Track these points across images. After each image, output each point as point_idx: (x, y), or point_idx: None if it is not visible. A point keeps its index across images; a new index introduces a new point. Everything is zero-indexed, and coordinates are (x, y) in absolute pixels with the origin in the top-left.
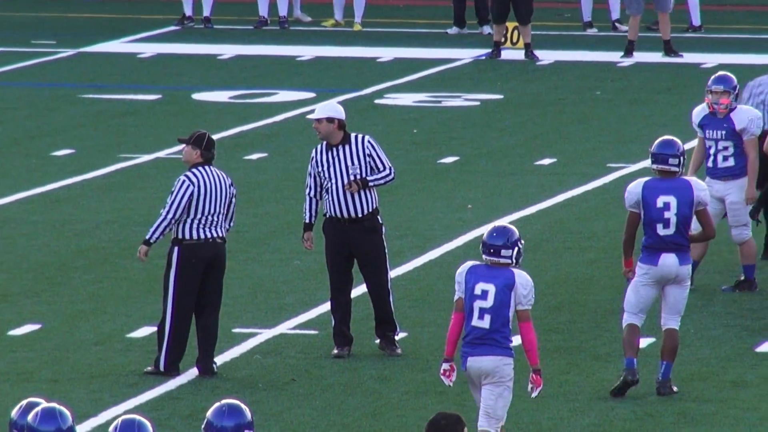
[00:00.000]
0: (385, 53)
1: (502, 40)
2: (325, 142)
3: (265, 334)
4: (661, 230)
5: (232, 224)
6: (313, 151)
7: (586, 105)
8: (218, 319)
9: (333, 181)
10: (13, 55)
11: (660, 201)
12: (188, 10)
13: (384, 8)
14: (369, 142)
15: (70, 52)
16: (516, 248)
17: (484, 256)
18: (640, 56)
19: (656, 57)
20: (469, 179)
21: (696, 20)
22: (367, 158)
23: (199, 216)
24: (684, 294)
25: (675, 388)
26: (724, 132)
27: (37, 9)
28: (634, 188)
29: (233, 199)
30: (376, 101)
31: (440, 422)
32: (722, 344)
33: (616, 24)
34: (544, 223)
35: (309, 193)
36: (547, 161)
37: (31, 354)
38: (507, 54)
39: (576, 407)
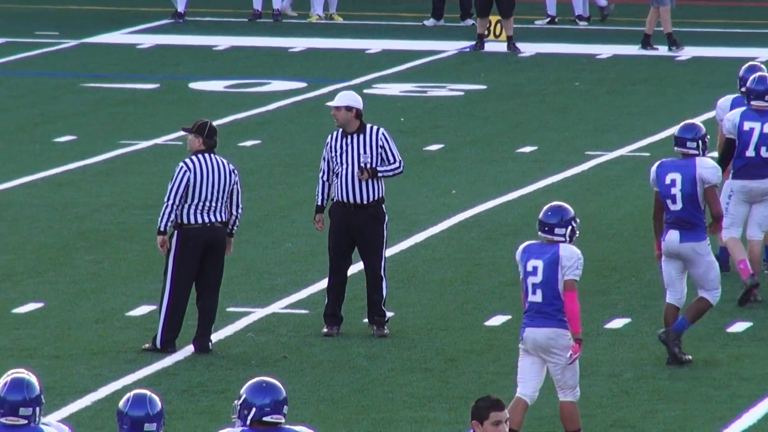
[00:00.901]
0: (373, 45)
1: (486, 33)
2: (340, 130)
3: (258, 313)
4: (671, 206)
5: (240, 211)
6: (329, 136)
7: (566, 95)
8: (217, 300)
9: (344, 167)
10: (18, 45)
11: (668, 178)
12: (180, 7)
13: (372, 2)
14: (383, 134)
15: (72, 42)
16: (570, 227)
17: (539, 233)
18: (617, 49)
19: (632, 50)
20: (453, 166)
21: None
22: (379, 149)
23: (196, 201)
24: (700, 270)
25: (688, 357)
26: None
27: (40, 1)
28: (652, 168)
29: (235, 186)
30: (365, 91)
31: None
32: (695, 324)
33: (577, 20)
34: (525, 208)
35: (322, 177)
36: (528, 149)
37: (34, 331)
38: (490, 46)
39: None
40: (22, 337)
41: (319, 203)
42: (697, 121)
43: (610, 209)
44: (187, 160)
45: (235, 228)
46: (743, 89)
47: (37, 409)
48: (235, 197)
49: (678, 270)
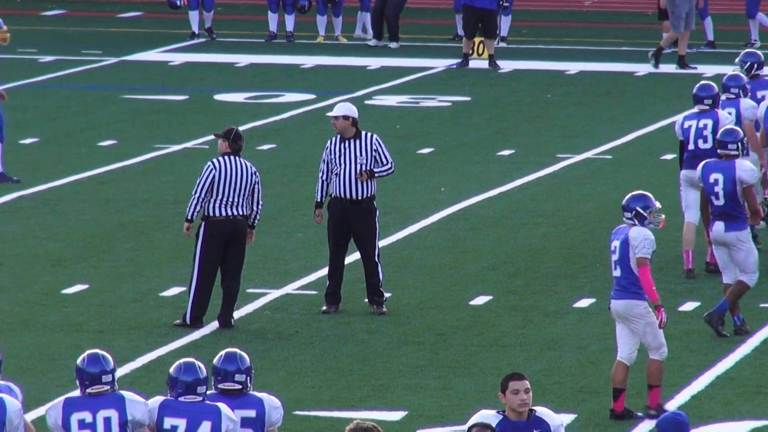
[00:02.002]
0: (373, 62)
1: (470, 52)
2: (339, 136)
3: (274, 294)
4: (715, 201)
5: (260, 206)
6: (329, 141)
7: (539, 106)
8: (239, 283)
9: (341, 167)
10: (66, 62)
11: (712, 177)
12: (197, 27)
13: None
14: (376, 140)
15: (113, 60)
16: (634, 211)
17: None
18: (584, 66)
19: (598, 66)
20: (442, 167)
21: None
22: (373, 152)
23: (221, 197)
24: (741, 255)
25: (724, 332)
26: None
27: (85, 24)
28: (699, 167)
29: (256, 186)
30: (366, 102)
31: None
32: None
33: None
34: (504, 204)
35: (321, 177)
36: (506, 152)
37: (80, 309)
38: (474, 64)
39: (530, 355)
40: (70, 314)
41: (319, 200)
42: (654, 127)
43: (577, 204)
44: (214, 160)
45: (256, 221)
46: (727, 94)
47: (115, 377)
48: (256, 195)
49: (728, 255)
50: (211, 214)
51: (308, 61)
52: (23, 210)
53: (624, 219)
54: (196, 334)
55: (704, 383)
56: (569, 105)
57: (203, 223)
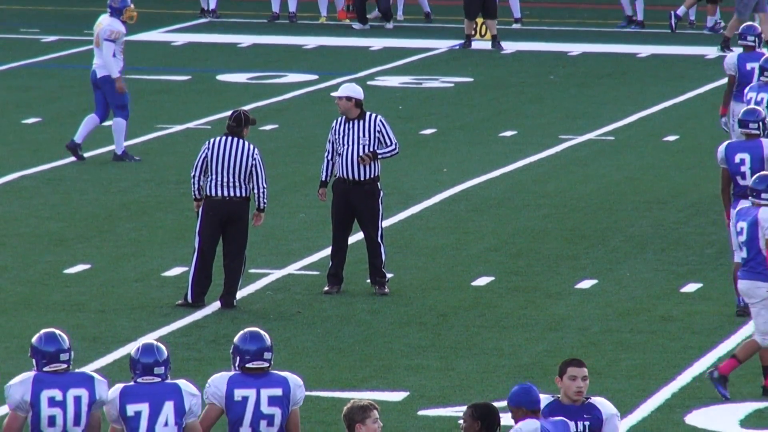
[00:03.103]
0: (376, 43)
1: (473, 33)
2: (344, 116)
3: (276, 274)
4: (740, 181)
5: (263, 188)
6: (334, 122)
7: (542, 87)
8: (241, 264)
9: (345, 148)
10: (69, 42)
11: (737, 157)
12: (206, 4)
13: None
14: (380, 120)
15: None
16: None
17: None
18: (587, 47)
19: (601, 47)
20: (444, 148)
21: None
22: (377, 134)
23: (215, 176)
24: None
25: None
26: None
27: (87, 4)
28: (720, 148)
29: (255, 168)
30: (368, 83)
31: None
32: (653, 285)
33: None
34: (506, 185)
35: (327, 156)
36: (509, 133)
37: (82, 289)
38: (476, 45)
39: (532, 336)
40: (72, 293)
41: (323, 179)
42: (656, 109)
43: (579, 185)
44: (210, 140)
45: (263, 203)
46: (763, 78)
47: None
48: (255, 176)
49: None
50: (208, 193)
51: (311, 41)
52: (26, 190)
53: (757, 200)
54: (198, 314)
55: (706, 364)
56: (572, 86)
57: (203, 203)
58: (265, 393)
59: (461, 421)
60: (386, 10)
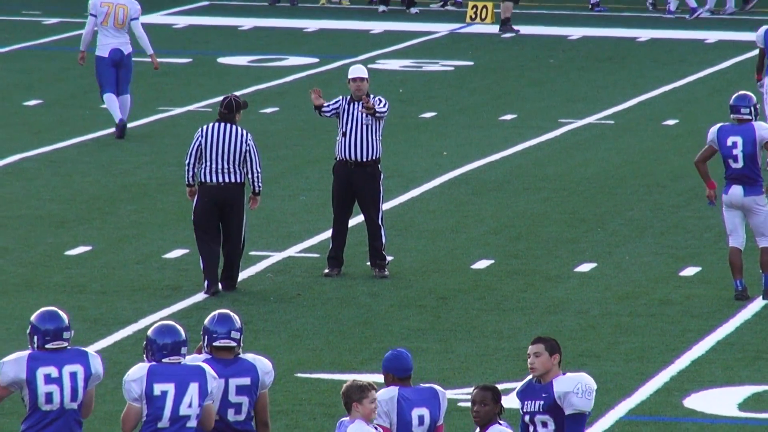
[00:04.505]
0: (376, 26)
1: (508, 17)
2: (349, 96)
3: (276, 257)
4: (732, 164)
5: (258, 173)
6: (341, 98)
7: (542, 71)
8: (241, 247)
9: (348, 127)
10: (70, 24)
11: (729, 140)
12: None
13: None
14: (379, 99)
15: None
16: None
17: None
18: (585, 31)
19: (600, 32)
20: (444, 131)
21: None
22: (377, 114)
23: (209, 163)
24: (761, 219)
25: None
26: None
27: None
28: (712, 129)
29: (248, 153)
30: (369, 66)
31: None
32: (652, 269)
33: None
34: (506, 168)
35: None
36: (509, 117)
37: (83, 270)
38: (475, 28)
39: (531, 319)
40: (73, 275)
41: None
42: (655, 93)
43: (579, 169)
44: (203, 127)
45: (258, 187)
46: None
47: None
48: (248, 162)
49: (740, 218)
50: (203, 179)
51: (311, 24)
52: (27, 171)
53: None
54: (199, 296)
55: (705, 348)
56: (571, 70)
57: (198, 188)
58: (233, 382)
59: (476, 405)
60: None
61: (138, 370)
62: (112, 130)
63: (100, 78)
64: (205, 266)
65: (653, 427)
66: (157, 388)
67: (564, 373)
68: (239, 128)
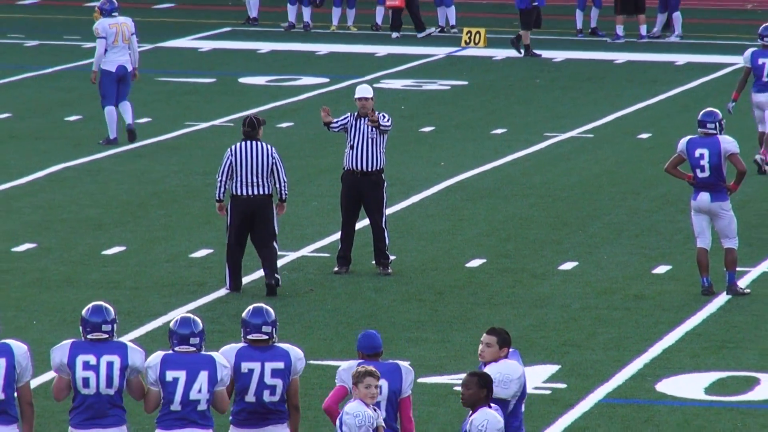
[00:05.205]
0: (381, 50)
1: (529, 44)
2: (357, 113)
3: (291, 256)
4: (700, 173)
5: (284, 183)
6: (349, 114)
7: (529, 90)
8: (274, 250)
9: (355, 141)
10: None
11: (697, 152)
12: (253, 13)
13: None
14: (383, 115)
15: (149, 46)
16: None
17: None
18: (569, 54)
19: (581, 54)
20: (442, 143)
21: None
22: (382, 129)
23: (240, 178)
24: (725, 222)
25: (746, 290)
26: None
27: (124, 14)
28: (682, 141)
29: (275, 166)
30: (374, 85)
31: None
32: (627, 267)
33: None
34: (497, 177)
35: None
36: (499, 131)
37: (118, 268)
38: (469, 51)
39: (519, 312)
40: (109, 272)
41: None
42: (631, 110)
43: (562, 177)
44: (232, 147)
45: (284, 195)
46: (763, 42)
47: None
48: (275, 173)
49: (707, 222)
50: (235, 192)
51: (323, 48)
52: (68, 180)
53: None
54: (221, 291)
55: (675, 338)
56: (556, 89)
57: (230, 201)
58: (269, 366)
59: (461, 389)
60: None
61: (153, 358)
62: (146, 142)
63: (103, 89)
64: (232, 268)
65: (628, 408)
66: (169, 375)
67: (498, 361)
68: (264, 144)
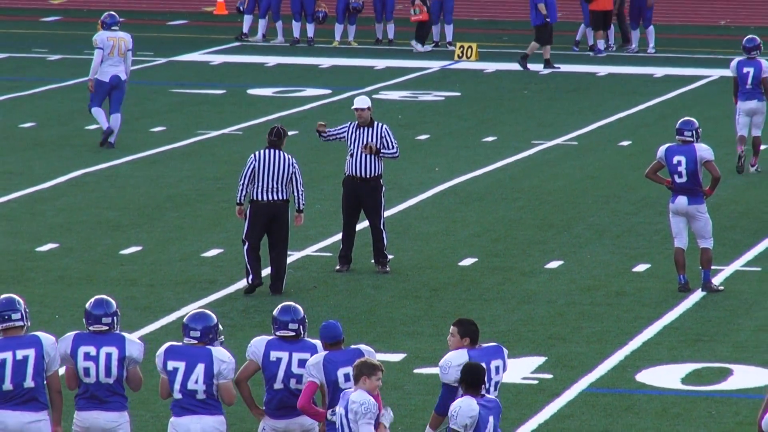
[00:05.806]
0: (380, 63)
1: (547, 57)
2: (357, 123)
3: (296, 256)
4: (678, 179)
5: (299, 191)
6: (349, 123)
7: (518, 100)
8: (285, 256)
9: (356, 150)
10: None
11: (675, 159)
12: (245, 28)
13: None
14: (386, 129)
15: (163, 60)
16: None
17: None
18: (555, 67)
19: (567, 67)
20: (436, 150)
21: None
22: (382, 139)
23: (260, 184)
24: (701, 224)
25: (720, 287)
26: None
27: (140, 30)
28: (661, 148)
29: (294, 174)
30: (373, 96)
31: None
32: (609, 266)
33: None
34: (488, 182)
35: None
36: (490, 138)
37: (135, 267)
38: (461, 65)
39: (508, 308)
40: (126, 271)
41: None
42: (613, 119)
43: (548, 182)
44: (256, 153)
45: (301, 204)
46: (748, 55)
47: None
48: (294, 181)
49: (684, 223)
50: (255, 198)
51: (325, 61)
52: (88, 184)
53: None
54: (231, 288)
55: (653, 332)
56: (543, 100)
57: (250, 205)
58: (296, 356)
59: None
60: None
61: (160, 349)
62: (160, 149)
63: (95, 95)
64: (252, 266)
65: (610, 397)
66: (170, 365)
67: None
68: (286, 153)
